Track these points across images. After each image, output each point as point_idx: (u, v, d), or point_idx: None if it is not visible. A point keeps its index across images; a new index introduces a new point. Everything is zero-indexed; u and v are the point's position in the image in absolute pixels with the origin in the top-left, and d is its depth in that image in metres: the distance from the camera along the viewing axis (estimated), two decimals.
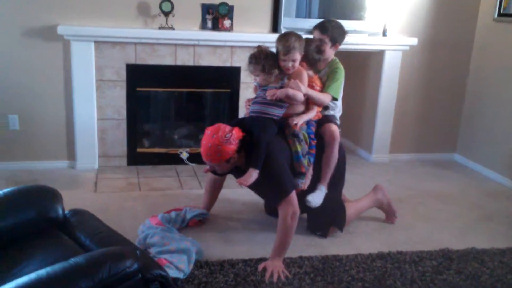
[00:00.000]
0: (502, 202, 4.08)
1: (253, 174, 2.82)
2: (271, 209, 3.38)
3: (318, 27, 3.22)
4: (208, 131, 2.84)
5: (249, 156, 2.87)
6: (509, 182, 4.41)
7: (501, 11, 4.50)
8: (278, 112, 2.96)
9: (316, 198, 3.14)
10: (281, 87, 2.93)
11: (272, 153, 2.85)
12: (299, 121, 2.96)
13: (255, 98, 3.07)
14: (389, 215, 3.55)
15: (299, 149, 2.97)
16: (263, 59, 2.91)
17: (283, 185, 2.85)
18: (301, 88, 2.91)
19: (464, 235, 3.44)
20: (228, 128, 2.82)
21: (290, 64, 2.93)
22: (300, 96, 2.92)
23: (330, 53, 3.22)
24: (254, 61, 2.93)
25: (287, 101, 2.94)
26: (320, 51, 3.13)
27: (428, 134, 5.04)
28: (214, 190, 3.44)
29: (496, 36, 4.61)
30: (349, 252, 3.08)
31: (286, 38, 2.92)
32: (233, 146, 2.78)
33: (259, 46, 2.99)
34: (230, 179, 3.25)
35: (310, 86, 3.07)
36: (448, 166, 4.90)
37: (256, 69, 2.94)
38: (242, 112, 3.21)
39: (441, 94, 4.95)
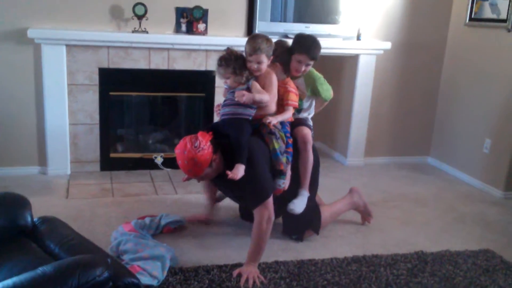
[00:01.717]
0: (475, 204, 4.13)
1: (240, 169, 2.77)
2: (247, 214, 3.36)
3: (308, 52, 3.10)
4: (178, 149, 2.77)
5: (228, 159, 2.84)
6: (482, 185, 4.47)
7: (472, 16, 4.57)
8: (249, 112, 2.94)
9: (298, 205, 3.14)
10: (248, 88, 2.92)
11: (252, 155, 2.84)
12: (274, 120, 2.95)
13: (224, 101, 3.04)
14: (365, 216, 3.57)
15: (276, 146, 2.96)
16: (233, 61, 2.89)
17: (263, 188, 2.84)
18: (254, 96, 2.86)
19: (439, 237, 3.47)
20: (193, 137, 2.76)
21: (255, 66, 2.91)
22: (266, 98, 2.90)
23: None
24: (224, 63, 2.90)
25: (256, 105, 2.93)
26: (291, 52, 3.13)
27: (402, 138, 5.08)
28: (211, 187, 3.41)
29: (467, 40, 4.67)
30: (324, 256, 3.08)
31: (254, 39, 2.92)
32: (206, 150, 2.72)
33: (228, 48, 2.97)
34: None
35: (284, 88, 3.07)
36: (422, 169, 4.95)
37: (227, 72, 2.92)
38: (217, 117, 3.19)
39: (415, 98, 5.00)
